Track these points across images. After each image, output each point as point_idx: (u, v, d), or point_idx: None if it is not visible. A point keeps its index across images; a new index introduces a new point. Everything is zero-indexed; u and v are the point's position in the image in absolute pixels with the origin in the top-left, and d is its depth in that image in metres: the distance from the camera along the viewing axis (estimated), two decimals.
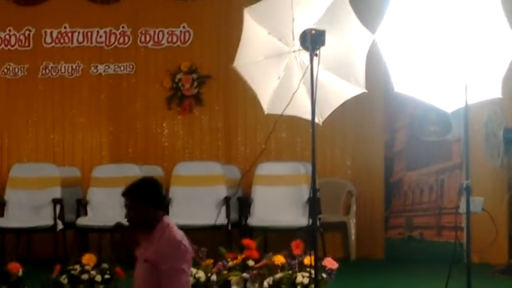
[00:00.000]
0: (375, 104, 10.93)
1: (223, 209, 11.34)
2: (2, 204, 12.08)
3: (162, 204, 6.23)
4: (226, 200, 11.41)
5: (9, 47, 13.24)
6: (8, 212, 11.94)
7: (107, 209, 12.03)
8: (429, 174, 11.97)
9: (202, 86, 12.94)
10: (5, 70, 13.24)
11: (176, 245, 5.82)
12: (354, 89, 8.36)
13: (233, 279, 8.94)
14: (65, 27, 13.10)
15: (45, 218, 11.70)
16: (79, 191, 12.43)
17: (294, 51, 8.12)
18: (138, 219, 5.97)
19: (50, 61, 13.15)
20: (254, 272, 8.95)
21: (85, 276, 9.02)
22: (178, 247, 5.83)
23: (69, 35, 13.13)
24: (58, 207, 11.60)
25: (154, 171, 12.58)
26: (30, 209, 11.88)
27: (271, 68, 8.25)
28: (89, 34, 13.12)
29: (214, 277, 8.97)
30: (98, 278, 9.04)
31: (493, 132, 10.02)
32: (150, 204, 5.96)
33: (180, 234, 5.95)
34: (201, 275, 8.93)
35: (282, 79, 8.29)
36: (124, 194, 6.09)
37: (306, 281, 8.60)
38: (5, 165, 12.84)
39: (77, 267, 9.06)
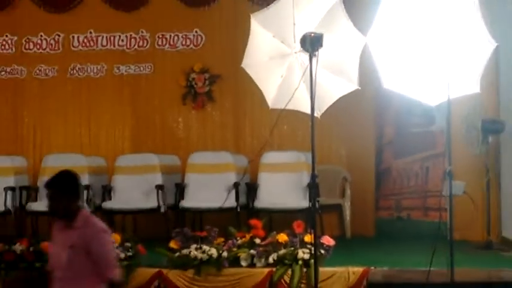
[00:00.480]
0: (367, 100, 10.99)
1: (233, 193, 11.39)
2: (36, 190, 12.14)
3: (80, 195, 6.15)
4: (236, 185, 11.41)
5: (41, 50, 13.27)
6: (41, 197, 11.82)
7: (129, 193, 12.05)
8: (415, 162, 12.04)
9: (213, 85, 13.00)
10: (38, 71, 13.28)
11: (103, 229, 6.02)
12: (348, 86, 8.43)
13: (242, 255, 8.95)
14: (90, 32, 13.15)
15: None
16: (104, 178, 12.49)
17: (295, 53, 8.17)
18: (59, 208, 5.93)
19: (78, 63, 13.19)
20: (260, 249, 8.97)
21: None
22: (105, 231, 6.05)
23: (95, 39, 13.16)
24: (86, 193, 11.59)
25: (171, 160, 12.68)
26: None
27: (275, 67, 8.28)
28: (112, 38, 13.15)
29: (225, 253, 8.94)
30: (122, 255, 8.96)
31: (472, 124, 10.09)
32: (70, 195, 5.93)
33: (100, 221, 6.16)
34: (213, 251, 8.91)
35: (284, 77, 8.35)
36: (46, 186, 6.04)
37: (306, 256, 8.65)
38: (38, 156, 12.89)
39: None
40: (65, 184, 6.02)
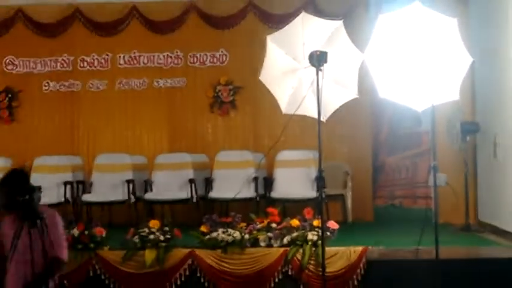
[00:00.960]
0: (364, 107, 10.92)
1: (253, 185, 11.56)
2: (90, 184, 12.30)
3: (26, 191, 5.80)
4: (255, 179, 11.55)
5: (93, 68, 13.32)
6: (94, 190, 12.15)
7: (166, 186, 12.21)
8: (405, 158, 12.10)
9: (236, 95, 13.04)
10: (90, 85, 13.32)
11: (58, 217, 6.14)
12: (348, 95, 8.46)
13: (261, 237, 9.10)
14: (134, 53, 13.21)
15: (121, 194, 11.88)
16: (146, 174, 12.56)
17: (304, 68, 8.17)
18: (5, 202, 5.93)
19: (123, 78, 13.26)
20: (276, 232, 9.12)
21: (151, 237, 9.11)
22: (59, 218, 6.16)
23: (137, 58, 13.23)
24: (130, 186, 11.82)
25: (201, 158, 12.75)
26: (110, 188, 12.05)
27: (287, 80, 8.35)
28: (152, 57, 13.19)
29: (247, 236, 9.08)
30: (161, 237, 9.10)
31: (453, 126, 10.10)
32: (15, 191, 5.78)
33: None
34: (237, 234, 9.05)
35: (295, 88, 8.42)
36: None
37: (314, 238, 8.78)
38: (91, 156, 12.91)
39: (145, 230, 9.19)
40: (10, 181, 5.97)
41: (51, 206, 9.76)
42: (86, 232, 9.30)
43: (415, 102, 8.48)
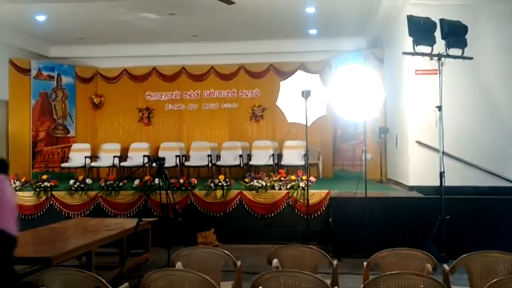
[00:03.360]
0: (329, 119, 10.61)
1: (271, 158, 11.41)
2: (188, 157, 12.11)
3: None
4: (273, 155, 11.42)
5: (190, 97, 13.13)
6: (190, 160, 11.96)
7: (228, 158, 11.92)
8: (350, 145, 11.96)
9: (263, 112, 12.88)
10: (189, 107, 13.19)
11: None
12: (321, 112, 8.28)
13: (275, 184, 9.00)
14: (212, 90, 13.05)
15: (205, 162, 11.63)
16: (217, 152, 12.26)
17: (300, 98, 8.01)
18: None
19: (206, 103, 13.07)
20: (283, 182, 9.03)
21: (219, 184, 9.10)
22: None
23: (214, 93, 13.06)
24: (209, 158, 11.61)
25: (245, 144, 12.33)
26: (199, 159, 11.67)
27: (290, 104, 8.25)
28: (221, 92, 13.02)
29: (268, 184, 8.98)
30: (225, 184, 9.13)
31: (374, 129, 9.94)
32: None
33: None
34: (263, 183, 8.98)
35: (294, 108, 8.29)
36: None
37: (303, 185, 8.65)
38: (189, 142, 12.70)
39: (216, 180, 9.19)
40: None
41: (169, 169, 9.88)
42: (187, 181, 9.30)
43: (355, 117, 8.43)
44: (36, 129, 12.69)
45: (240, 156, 11.73)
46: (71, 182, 9.52)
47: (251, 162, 11.59)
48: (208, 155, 11.77)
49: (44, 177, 9.79)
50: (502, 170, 8.36)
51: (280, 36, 12.21)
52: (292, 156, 11.53)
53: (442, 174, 7.18)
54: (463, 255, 4.23)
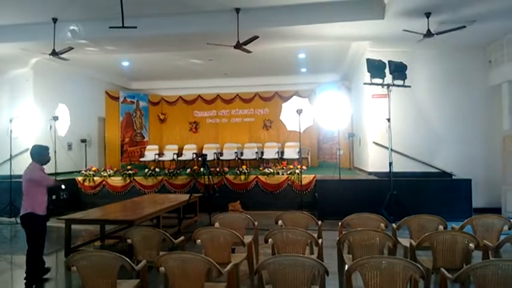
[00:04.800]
0: (315, 128, 10.63)
1: (277, 154, 11.26)
2: (222, 154, 11.87)
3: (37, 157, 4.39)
4: (277, 152, 11.32)
5: (223, 115, 13.06)
6: (223, 156, 11.74)
7: (248, 154, 11.79)
8: (329, 144, 11.71)
9: (271, 124, 12.75)
10: (222, 120, 13.14)
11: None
12: (309, 123, 8.27)
13: (279, 171, 8.88)
14: (237, 109, 12.93)
15: (232, 157, 11.45)
16: (241, 150, 12.10)
17: (295, 114, 7.97)
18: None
19: (233, 118, 12.99)
20: (285, 169, 8.93)
21: (243, 171, 8.97)
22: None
23: (238, 111, 12.92)
24: (235, 154, 11.48)
25: (259, 145, 12.19)
26: (228, 155, 11.69)
27: (289, 118, 8.22)
28: (243, 111, 12.90)
29: (275, 171, 8.86)
30: (245, 171, 8.95)
31: (345, 134, 9.64)
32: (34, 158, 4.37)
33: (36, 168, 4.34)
34: (272, 170, 8.87)
35: (292, 120, 8.24)
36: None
37: (298, 171, 8.56)
38: (223, 143, 12.54)
39: (241, 169, 9.06)
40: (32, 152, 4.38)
41: (210, 161, 9.86)
42: (221, 169, 9.24)
43: (332, 126, 8.37)
44: (123, 136, 12.81)
45: (256, 152, 11.69)
46: (146, 170, 9.59)
47: (263, 157, 11.52)
48: (235, 152, 11.72)
49: (128, 167, 9.85)
50: (430, 161, 8.35)
51: (282, 73, 12.13)
52: (291, 152, 11.47)
53: (390, 164, 7.14)
54: (405, 218, 4.20)
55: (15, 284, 4.57)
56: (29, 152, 4.47)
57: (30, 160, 4.40)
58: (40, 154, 4.45)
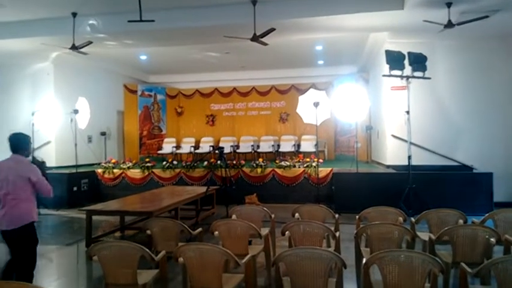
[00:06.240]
0: (332, 121, 10.57)
1: (293, 147, 11.19)
2: (238, 146, 11.89)
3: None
4: (294, 145, 11.24)
5: (239, 107, 13.06)
6: (240, 148, 11.79)
7: (264, 147, 11.75)
8: (346, 137, 11.63)
9: (287, 116, 12.70)
10: (239, 113, 13.15)
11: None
12: (326, 116, 8.20)
13: (296, 164, 8.78)
14: (253, 102, 12.93)
15: (249, 150, 11.50)
16: (258, 143, 12.11)
17: (312, 106, 7.92)
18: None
19: (250, 111, 12.99)
20: (301, 162, 8.85)
21: (260, 164, 8.96)
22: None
23: (254, 104, 12.89)
24: (252, 147, 11.47)
25: (275, 138, 12.17)
26: (245, 148, 11.71)
27: (306, 110, 8.16)
28: (259, 104, 12.91)
29: (291, 163, 8.79)
30: (262, 164, 8.92)
31: (363, 126, 9.59)
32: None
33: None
34: (288, 163, 8.82)
35: (308, 113, 8.19)
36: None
37: (314, 164, 8.54)
38: (239, 136, 12.54)
39: (257, 161, 9.03)
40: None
41: (227, 154, 9.90)
42: (238, 162, 9.27)
43: (350, 119, 8.30)
44: (141, 129, 12.93)
45: (273, 145, 11.64)
46: (164, 162, 9.66)
47: (280, 150, 11.47)
48: (252, 145, 11.72)
49: (147, 159, 9.95)
50: (450, 154, 8.18)
51: (299, 66, 12.07)
52: (307, 145, 11.39)
53: (409, 157, 7.04)
54: (424, 212, 4.13)
55: (39, 273, 4.69)
56: (8, 142, 3.34)
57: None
58: (27, 143, 3.39)
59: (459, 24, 6.35)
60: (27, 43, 8.21)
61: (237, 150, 11.66)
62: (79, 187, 8.98)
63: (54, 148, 9.64)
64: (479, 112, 8.20)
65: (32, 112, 8.97)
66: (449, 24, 6.30)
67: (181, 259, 2.85)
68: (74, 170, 9.05)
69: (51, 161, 9.58)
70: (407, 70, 6.91)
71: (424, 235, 4.06)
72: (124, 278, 2.90)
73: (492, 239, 3.17)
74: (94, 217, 5.65)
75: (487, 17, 6.24)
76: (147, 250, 2.92)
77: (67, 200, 8.53)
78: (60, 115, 9.53)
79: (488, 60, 8.20)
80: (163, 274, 3.21)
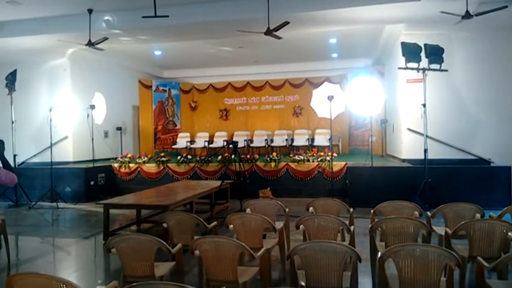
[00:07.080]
0: (346, 114, 10.51)
1: (307, 141, 11.11)
2: (252, 141, 11.87)
3: None
4: (308, 139, 11.15)
5: (253, 102, 13.03)
6: (253, 143, 11.77)
7: (277, 141, 11.72)
8: (361, 131, 11.56)
9: (301, 110, 12.64)
10: (252, 108, 13.11)
11: None
12: (340, 110, 8.17)
13: (310, 158, 8.75)
14: (267, 96, 12.89)
15: (263, 144, 11.45)
16: (271, 137, 12.05)
17: (326, 100, 7.87)
18: None
19: (263, 105, 12.95)
20: (315, 156, 8.83)
21: (273, 158, 8.96)
22: None
23: (268, 98, 12.82)
24: (266, 141, 11.45)
25: (289, 132, 12.14)
26: (259, 142, 11.71)
27: (320, 104, 8.12)
28: (273, 98, 12.85)
29: (305, 158, 8.77)
30: (276, 158, 8.91)
31: (378, 120, 9.55)
32: None
33: None
34: (302, 157, 8.78)
35: (322, 107, 8.14)
36: None
37: (328, 158, 8.52)
38: (252, 130, 12.55)
39: (271, 156, 9.03)
40: None
41: (240, 148, 9.91)
42: (252, 156, 9.30)
43: (364, 112, 8.24)
44: (156, 124, 13.09)
45: (286, 139, 11.60)
46: (178, 157, 9.73)
47: (294, 144, 11.43)
48: (265, 139, 11.69)
49: (162, 154, 10.04)
50: (467, 147, 8.07)
51: (312, 59, 12.02)
52: (321, 139, 11.34)
53: (425, 151, 6.94)
54: (440, 206, 4.09)
55: (58, 265, 4.83)
56: None
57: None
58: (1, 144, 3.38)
59: (477, 15, 6.20)
60: (43, 40, 8.35)
61: (251, 145, 11.65)
62: (96, 181, 9.14)
63: (71, 143, 9.84)
64: (496, 105, 8.05)
65: (49, 108, 9.13)
66: (467, 15, 6.17)
67: (197, 252, 2.90)
68: (90, 165, 9.19)
69: (68, 156, 9.86)
70: (424, 62, 6.80)
71: (440, 229, 4.01)
72: (142, 270, 2.95)
73: (510, 234, 3.10)
74: (111, 211, 5.75)
75: (506, 7, 6.08)
76: (164, 243, 2.97)
77: (84, 194, 8.70)
78: (77, 110, 9.68)
79: (506, 52, 8.02)
80: (180, 266, 3.25)
